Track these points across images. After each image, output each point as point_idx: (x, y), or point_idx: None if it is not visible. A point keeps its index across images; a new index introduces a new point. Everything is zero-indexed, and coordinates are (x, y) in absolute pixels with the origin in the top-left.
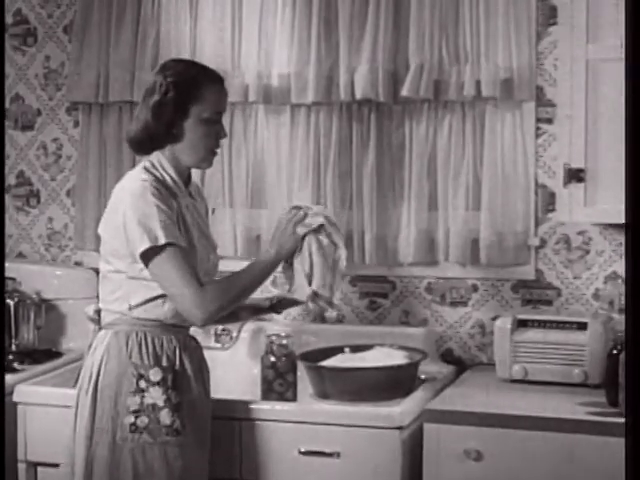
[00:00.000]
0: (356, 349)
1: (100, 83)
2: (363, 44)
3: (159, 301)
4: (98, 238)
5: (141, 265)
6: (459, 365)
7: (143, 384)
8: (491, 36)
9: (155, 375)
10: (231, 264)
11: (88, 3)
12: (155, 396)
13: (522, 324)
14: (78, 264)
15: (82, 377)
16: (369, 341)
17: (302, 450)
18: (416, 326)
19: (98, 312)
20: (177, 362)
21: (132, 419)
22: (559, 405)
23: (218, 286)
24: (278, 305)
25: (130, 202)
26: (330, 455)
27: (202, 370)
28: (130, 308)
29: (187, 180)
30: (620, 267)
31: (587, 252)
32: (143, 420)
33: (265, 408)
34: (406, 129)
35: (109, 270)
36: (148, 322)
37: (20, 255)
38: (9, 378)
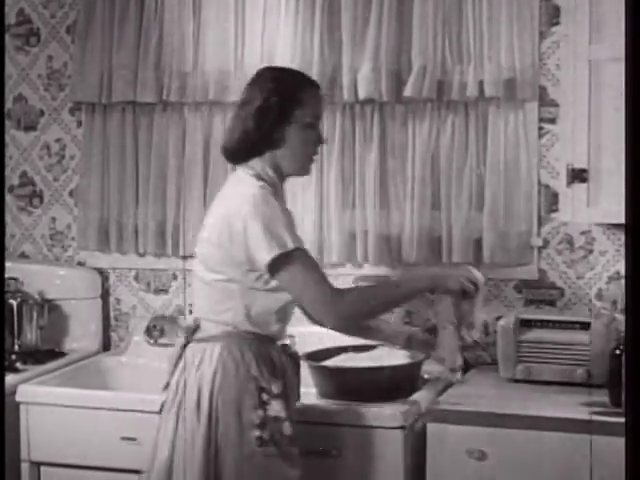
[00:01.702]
0: (359, 349)
1: (103, 83)
2: (366, 44)
3: (273, 314)
4: (102, 242)
5: (257, 274)
6: (462, 365)
7: (265, 397)
8: (494, 36)
9: (277, 388)
10: None
11: (91, 3)
12: (277, 409)
13: (525, 324)
14: (81, 264)
15: (186, 392)
16: (372, 341)
17: (303, 450)
18: (419, 326)
19: (197, 322)
20: (289, 372)
21: (257, 433)
22: (562, 405)
23: (355, 294)
24: (408, 345)
25: (252, 209)
26: (332, 455)
27: (298, 379)
28: (243, 319)
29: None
30: (623, 267)
31: (590, 252)
32: (268, 433)
33: None
34: (409, 129)
35: (217, 279)
36: (258, 335)
37: (23, 255)
38: (12, 378)
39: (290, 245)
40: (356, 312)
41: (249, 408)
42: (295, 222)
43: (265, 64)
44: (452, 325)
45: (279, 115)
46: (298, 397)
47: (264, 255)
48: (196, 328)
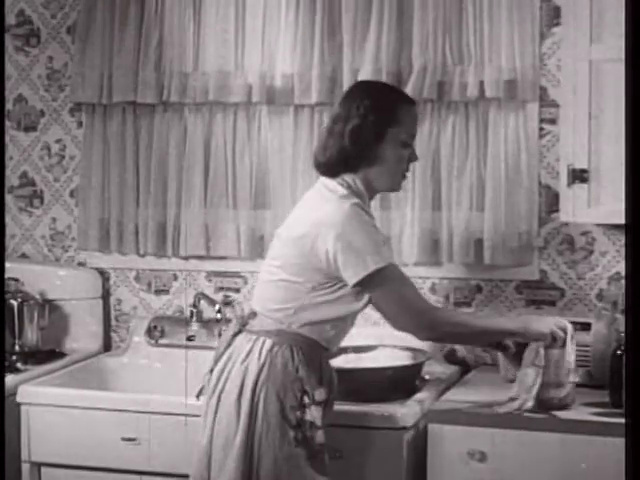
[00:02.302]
0: (360, 350)
1: (103, 84)
2: (366, 45)
3: (329, 323)
4: (102, 243)
5: (330, 283)
6: (463, 366)
7: (306, 400)
8: (494, 37)
9: (320, 395)
10: (234, 265)
11: (91, 4)
12: (315, 415)
13: None
14: (81, 264)
15: (229, 381)
16: (373, 342)
17: None
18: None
19: (254, 311)
20: (334, 383)
21: (294, 433)
22: None
23: (449, 315)
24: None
25: (346, 226)
26: (334, 456)
27: (336, 392)
28: (303, 325)
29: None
30: (623, 268)
31: (591, 253)
32: (302, 436)
33: None
34: None
35: (287, 279)
36: (309, 340)
37: (23, 255)
38: (12, 378)
39: (372, 266)
40: (447, 333)
41: (289, 408)
42: (382, 238)
43: (265, 65)
44: (537, 368)
45: (375, 133)
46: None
47: (355, 272)
48: (249, 319)
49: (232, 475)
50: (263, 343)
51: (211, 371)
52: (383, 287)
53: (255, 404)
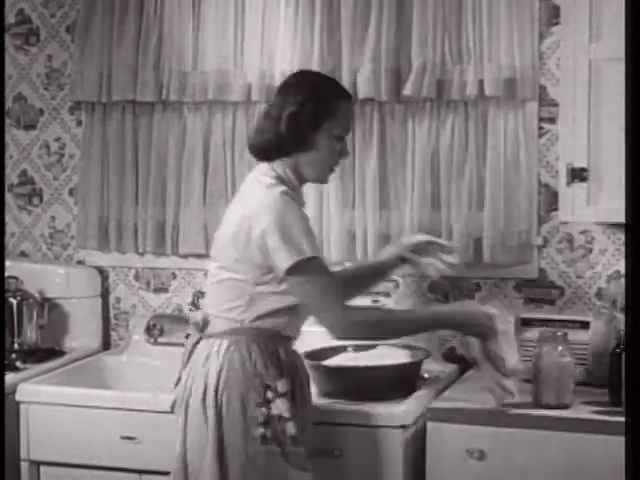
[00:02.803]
0: (359, 348)
1: (103, 82)
2: (366, 43)
3: (282, 313)
4: (102, 241)
5: (271, 275)
6: (462, 364)
7: (270, 395)
8: (494, 35)
9: (282, 386)
10: None
11: (91, 2)
12: (281, 407)
13: (525, 323)
14: (80, 263)
15: (193, 387)
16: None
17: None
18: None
19: (206, 319)
20: (299, 372)
21: (261, 430)
22: None
23: (365, 315)
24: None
25: (274, 215)
26: (332, 454)
27: (308, 377)
28: (255, 319)
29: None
30: (623, 266)
31: (590, 251)
32: (271, 431)
33: None
34: (409, 128)
35: (230, 277)
36: (267, 332)
37: (23, 254)
38: (12, 377)
39: (308, 254)
40: (363, 332)
41: (253, 405)
42: (312, 228)
43: (264, 63)
44: (485, 361)
45: (311, 122)
46: (309, 396)
47: (283, 261)
48: (205, 324)
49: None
50: (220, 345)
51: (178, 381)
52: (302, 278)
53: (219, 408)
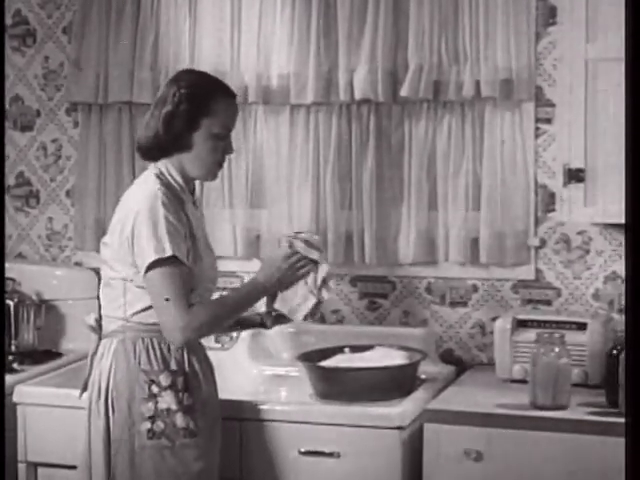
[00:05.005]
0: (356, 349)
1: (99, 84)
2: (362, 44)
3: None
4: (99, 243)
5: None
6: (459, 365)
7: (155, 389)
8: (490, 36)
9: (165, 379)
10: (231, 264)
11: (87, 4)
12: (168, 400)
13: (522, 324)
14: (78, 264)
15: (91, 385)
16: (369, 341)
17: (302, 450)
18: (416, 326)
19: (98, 320)
20: (186, 364)
21: (148, 425)
22: None
23: (204, 312)
24: (268, 321)
25: (142, 211)
26: (330, 455)
27: (210, 370)
28: (134, 314)
29: (192, 189)
30: (620, 267)
31: (587, 252)
32: (159, 425)
33: (265, 408)
34: (405, 129)
35: (113, 277)
36: (152, 327)
37: (20, 255)
38: (9, 379)
39: (168, 252)
40: (201, 334)
41: (140, 401)
42: (183, 230)
43: (261, 65)
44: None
45: (187, 123)
46: (214, 386)
47: (145, 256)
48: (100, 326)
49: (100, 472)
50: (110, 344)
51: (84, 385)
52: (155, 275)
53: (110, 406)
